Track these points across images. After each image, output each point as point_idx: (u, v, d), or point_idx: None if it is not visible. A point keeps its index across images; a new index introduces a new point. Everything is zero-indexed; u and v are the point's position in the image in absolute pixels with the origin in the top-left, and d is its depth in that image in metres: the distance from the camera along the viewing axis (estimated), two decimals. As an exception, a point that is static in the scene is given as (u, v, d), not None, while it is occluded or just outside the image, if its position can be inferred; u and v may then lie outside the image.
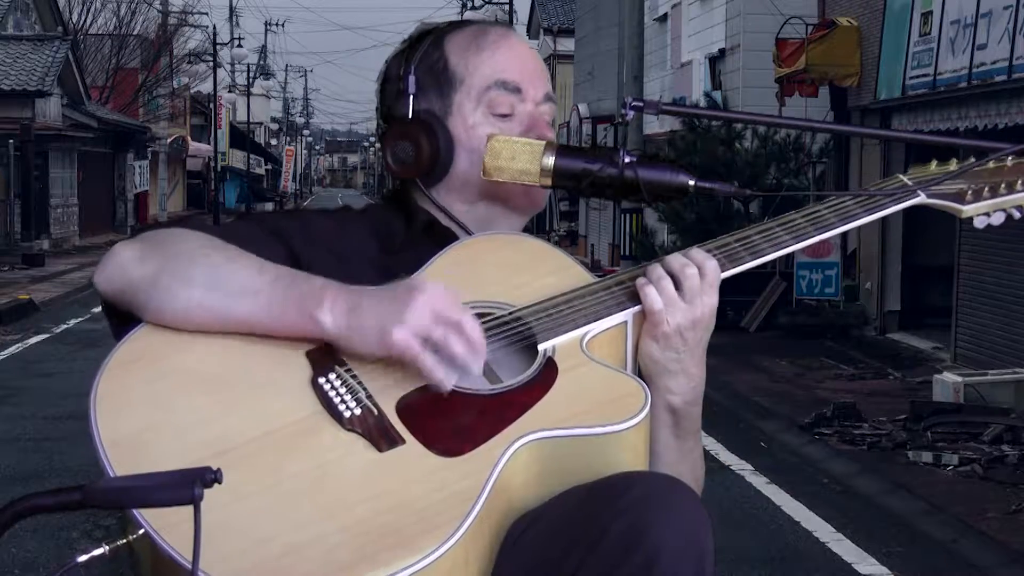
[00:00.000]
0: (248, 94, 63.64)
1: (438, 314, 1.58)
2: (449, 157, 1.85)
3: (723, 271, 1.76)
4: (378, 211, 1.92)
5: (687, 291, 1.71)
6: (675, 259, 1.73)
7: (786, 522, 7.01)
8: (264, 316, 1.62)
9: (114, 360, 1.62)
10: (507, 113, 1.86)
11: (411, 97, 1.86)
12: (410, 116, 1.86)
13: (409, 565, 1.43)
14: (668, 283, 1.71)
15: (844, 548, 6.48)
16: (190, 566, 1.31)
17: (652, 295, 1.71)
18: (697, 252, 1.75)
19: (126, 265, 1.68)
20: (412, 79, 1.87)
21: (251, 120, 65.13)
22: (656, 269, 1.73)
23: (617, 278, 1.77)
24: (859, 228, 1.89)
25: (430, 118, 1.85)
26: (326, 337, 1.61)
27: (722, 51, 19.75)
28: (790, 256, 13.59)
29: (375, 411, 1.58)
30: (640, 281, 1.72)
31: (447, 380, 1.58)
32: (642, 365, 1.75)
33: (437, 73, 1.87)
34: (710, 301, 1.73)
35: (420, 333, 1.57)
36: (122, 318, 1.69)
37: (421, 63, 1.88)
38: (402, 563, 1.43)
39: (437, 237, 1.83)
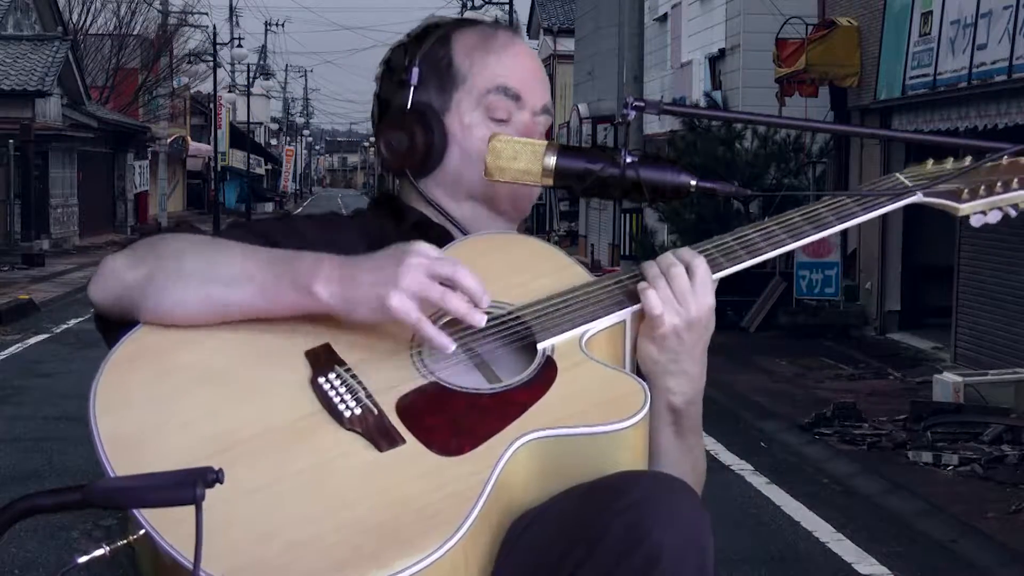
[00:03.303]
0: (248, 94, 63.59)
1: (432, 273, 1.58)
2: (442, 152, 1.86)
3: (720, 270, 1.75)
4: (367, 215, 1.93)
5: (677, 291, 1.70)
6: (664, 259, 1.73)
7: (786, 522, 7.00)
8: (261, 299, 1.62)
9: (113, 359, 1.62)
10: (504, 119, 1.86)
11: (412, 89, 1.87)
12: (408, 107, 1.87)
13: (409, 565, 1.42)
14: (664, 283, 1.70)
15: (844, 548, 6.47)
16: (191, 566, 1.31)
17: (652, 297, 1.69)
18: (685, 251, 1.74)
19: (119, 271, 1.69)
20: (415, 71, 1.88)
21: (251, 120, 65.10)
22: (652, 268, 1.72)
23: (615, 277, 1.77)
24: (859, 228, 1.90)
25: (427, 111, 1.86)
26: (325, 309, 1.61)
27: (722, 51, 19.75)
28: (790, 256, 13.59)
29: (375, 410, 1.57)
30: (641, 285, 1.71)
31: (449, 345, 1.59)
32: (641, 365, 1.74)
33: (441, 69, 1.88)
34: (705, 301, 1.71)
35: (417, 295, 1.57)
36: (116, 333, 1.69)
37: (426, 57, 1.89)
38: (402, 563, 1.42)
39: (429, 234, 1.82)
